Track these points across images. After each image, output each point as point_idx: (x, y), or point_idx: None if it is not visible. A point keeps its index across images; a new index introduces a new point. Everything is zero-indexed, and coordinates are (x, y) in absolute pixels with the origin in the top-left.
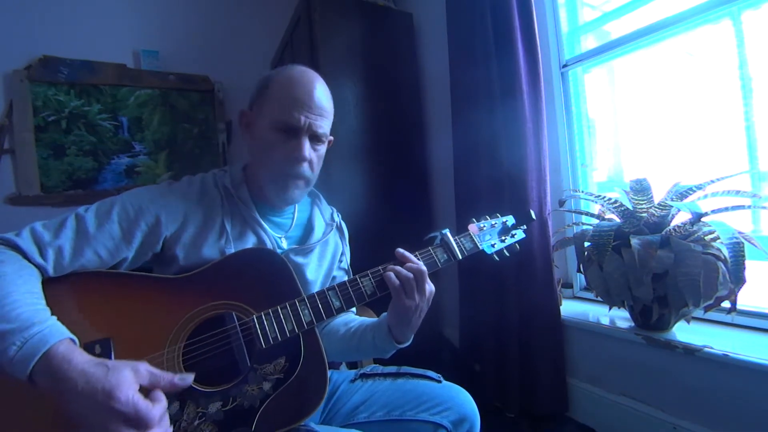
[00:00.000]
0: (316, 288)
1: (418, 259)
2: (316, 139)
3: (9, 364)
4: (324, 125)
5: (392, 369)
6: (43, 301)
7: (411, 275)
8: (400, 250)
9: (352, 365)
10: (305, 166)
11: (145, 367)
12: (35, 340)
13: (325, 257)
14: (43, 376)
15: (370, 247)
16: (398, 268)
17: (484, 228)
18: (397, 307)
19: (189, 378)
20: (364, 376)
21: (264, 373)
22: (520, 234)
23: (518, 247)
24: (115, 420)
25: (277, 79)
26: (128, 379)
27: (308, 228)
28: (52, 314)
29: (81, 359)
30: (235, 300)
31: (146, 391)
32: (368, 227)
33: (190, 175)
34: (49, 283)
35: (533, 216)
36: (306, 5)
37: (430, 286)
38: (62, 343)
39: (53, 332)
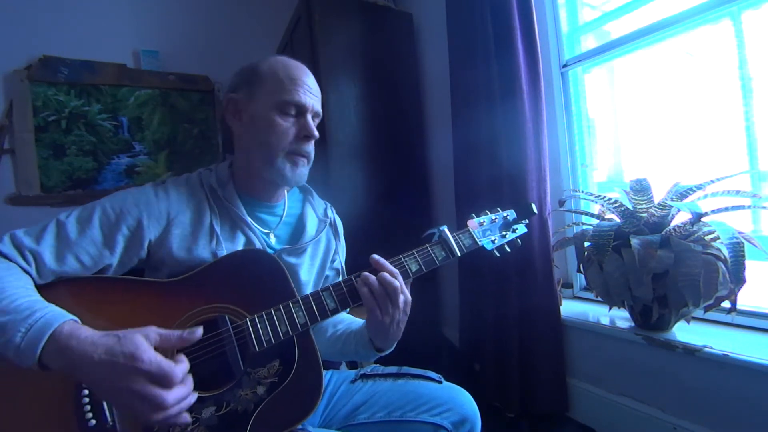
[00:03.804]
0: (309, 289)
1: (404, 263)
2: (314, 119)
3: (16, 351)
4: (320, 108)
5: (393, 370)
6: (38, 295)
7: (383, 291)
8: (375, 256)
9: (352, 365)
10: (312, 143)
11: (153, 329)
12: (40, 324)
13: (317, 256)
14: (54, 357)
15: (370, 247)
16: (372, 280)
17: (484, 223)
18: (373, 323)
19: (198, 331)
20: (365, 376)
21: (258, 377)
22: (521, 229)
23: (519, 242)
24: (141, 380)
25: (269, 65)
26: (144, 342)
27: (299, 226)
28: None
29: (89, 333)
30: (228, 303)
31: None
32: (368, 227)
33: (176, 176)
34: (39, 290)
35: (535, 209)
36: (306, 5)
37: (404, 297)
38: (66, 323)
39: (56, 315)
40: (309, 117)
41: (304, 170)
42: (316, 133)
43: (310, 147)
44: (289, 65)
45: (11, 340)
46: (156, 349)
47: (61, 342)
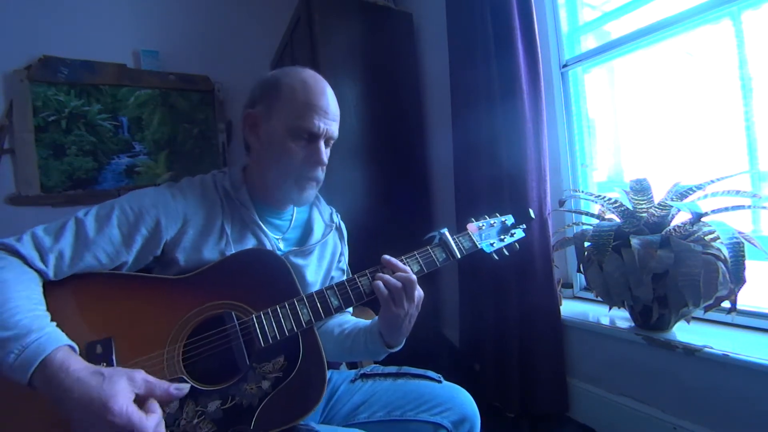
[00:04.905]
0: (315, 289)
1: (405, 263)
2: (328, 143)
3: (9, 370)
4: (336, 130)
5: (392, 369)
6: (44, 307)
7: (400, 284)
8: (386, 256)
9: (352, 365)
10: (322, 169)
11: (141, 376)
12: (33, 348)
13: (324, 258)
14: (42, 384)
15: (370, 247)
16: (387, 276)
17: (483, 227)
18: (387, 315)
19: (185, 388)
20: (365, 376)
21: (263, 372)
22: (519, 233)
23: (518, 246)
24: (109, 430)
25: (289, 83)
26: (124, 389)
27: (307, 229)
28: (53, 319)
29: (78, 367)
30: (235, 300)
31: (143, 399)
32: (368, 227)
33: (189, 176)
34: (50, 285)
35: (532, 215)
36: (306, 5)
37: (419, 292)
38: (60, 350)
39: (51, 340)
40: (321, 142)
41: (311, 192)
42: (326, 160)
43: (319, 172)
44: (309, 87)
45: (5, 358)
46: (137, 396)
47: (50, 370)
